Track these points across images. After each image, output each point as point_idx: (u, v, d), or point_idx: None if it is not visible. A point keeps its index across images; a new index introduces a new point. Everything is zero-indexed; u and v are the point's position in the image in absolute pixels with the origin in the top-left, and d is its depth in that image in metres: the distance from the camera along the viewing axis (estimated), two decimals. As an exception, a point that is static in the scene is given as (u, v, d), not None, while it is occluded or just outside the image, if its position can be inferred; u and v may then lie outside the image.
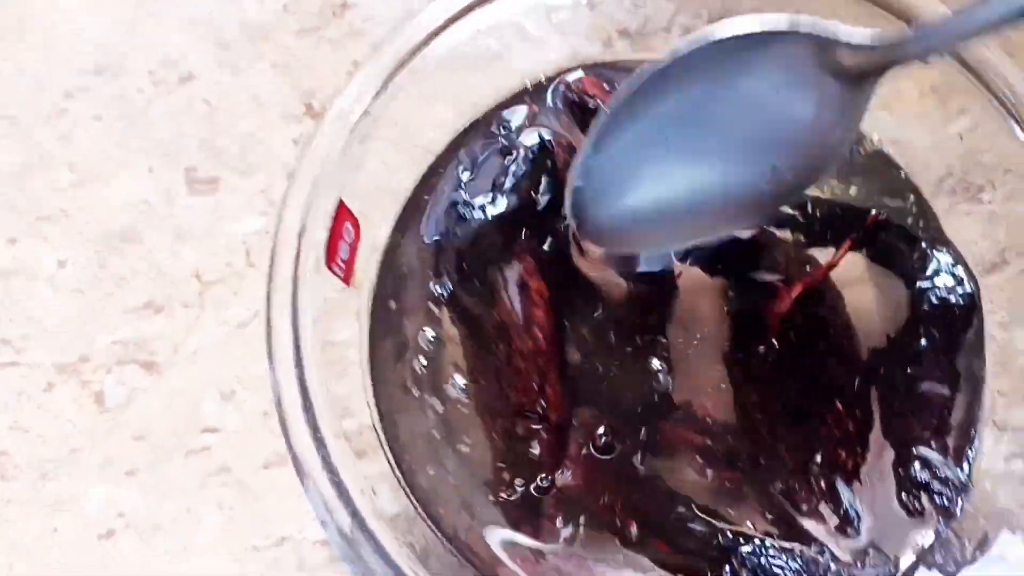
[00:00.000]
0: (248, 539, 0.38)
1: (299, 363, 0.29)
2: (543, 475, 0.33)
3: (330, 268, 0.31)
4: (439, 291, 0.36)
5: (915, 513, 0.33)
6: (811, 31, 0.29)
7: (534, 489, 0.33)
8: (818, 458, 0.34)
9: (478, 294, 0.36)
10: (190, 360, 0.41)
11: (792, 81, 0.30)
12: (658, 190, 0.33)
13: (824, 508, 0.33)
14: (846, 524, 0.33)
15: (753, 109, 0.31)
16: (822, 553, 0.32)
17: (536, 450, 0.33)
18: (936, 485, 0.33)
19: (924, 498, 0.33)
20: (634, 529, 0.33)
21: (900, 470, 0.33)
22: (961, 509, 0.33)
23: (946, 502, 0.33)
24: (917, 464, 0.33)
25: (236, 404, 0.40)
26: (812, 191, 0.36)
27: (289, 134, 0.44)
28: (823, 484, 0.33)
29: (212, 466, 0.39)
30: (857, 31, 0.29)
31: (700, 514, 0.33)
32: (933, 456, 0.33)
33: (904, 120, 0.32)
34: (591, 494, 0.34)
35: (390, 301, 0.36)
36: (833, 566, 0.32)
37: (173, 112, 0.44)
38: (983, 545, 0.31)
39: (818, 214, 0.37)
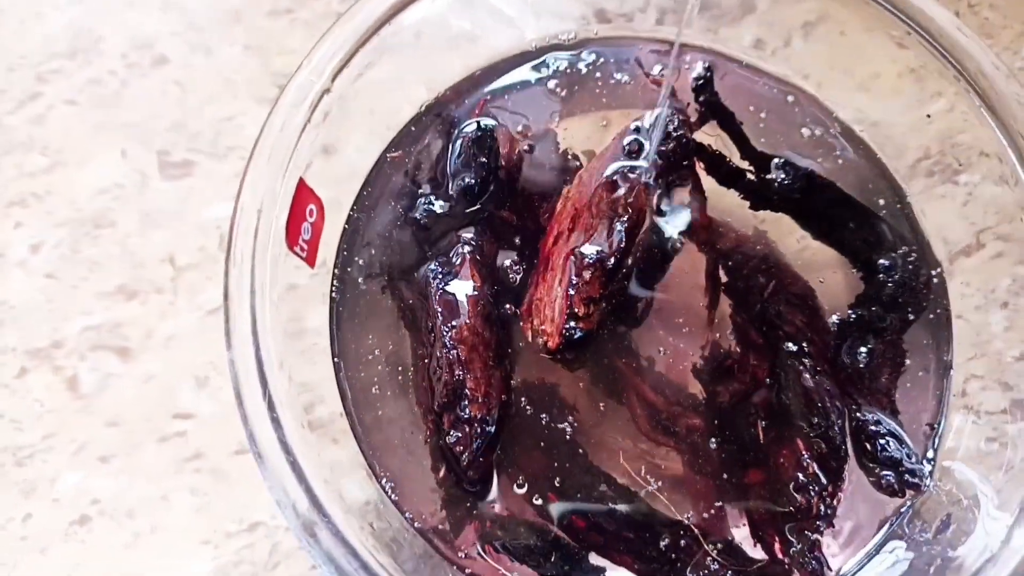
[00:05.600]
0: (221, 524, 0.38)
1: (256, 342, 0.28)
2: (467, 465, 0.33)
3: (292, 250, 0.30)
4: (385, 279, 0.36)
5: (886, 490, 0.33)
6: None
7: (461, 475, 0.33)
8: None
9: (415, 286, 0.35)
10: (163, 346, 0.41)
11: None
12: None
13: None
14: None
15: None
16: (714, 548, 0.32)
17: (460, 447, 0.32)
18: (907, 462, 0.33)
19: (893, 475, 0.33)
20: (550, 500, 0.33)
21: (869, 449, 0.33)
22: (929, 485, 0.33)
23: (916, 478, 0.33)
24: (887, 441, 0.33)
25: (210, 390, 0.40)
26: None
27: (263, 117, 0.43)
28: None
29: (186, 452, 0.39)
30: None
31: (617, 489, 0.33)
32: (901, 433, 0.33)
33: (880, 100, 0.32)
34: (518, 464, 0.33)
35: (351, 285, 0.36)
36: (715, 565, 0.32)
37: (146, 95, 0.44)
38: (944, 528, 0.31)
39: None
